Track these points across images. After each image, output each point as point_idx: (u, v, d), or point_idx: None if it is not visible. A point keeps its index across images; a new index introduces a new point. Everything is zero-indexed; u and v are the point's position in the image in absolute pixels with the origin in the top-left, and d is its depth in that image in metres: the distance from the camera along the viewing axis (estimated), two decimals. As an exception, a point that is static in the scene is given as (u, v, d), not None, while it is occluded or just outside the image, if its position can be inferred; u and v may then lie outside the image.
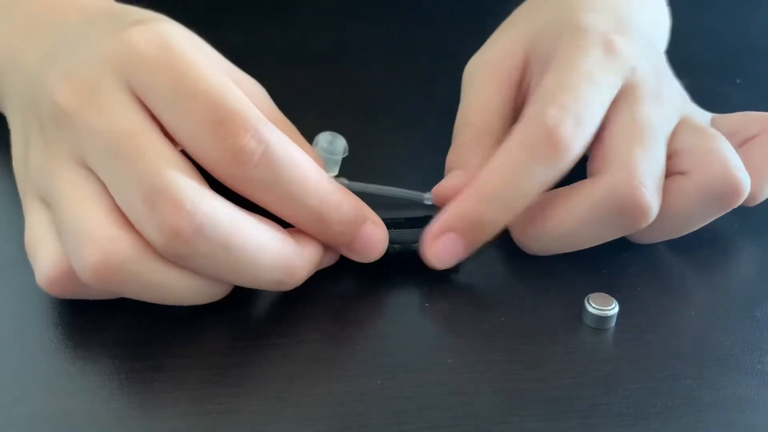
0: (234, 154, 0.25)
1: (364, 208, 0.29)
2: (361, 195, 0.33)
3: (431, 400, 0.25)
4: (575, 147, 0.29)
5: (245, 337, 0.27)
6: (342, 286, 0.30)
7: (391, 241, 0.30)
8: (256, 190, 0.26)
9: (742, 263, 0.33)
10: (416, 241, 0.30)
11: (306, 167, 0.27)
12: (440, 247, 0.29)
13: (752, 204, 0.33)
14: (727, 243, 0.33)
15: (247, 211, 0.26)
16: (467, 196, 0.29)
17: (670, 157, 0.31)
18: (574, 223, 0.30)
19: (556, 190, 0.30)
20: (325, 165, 0.33)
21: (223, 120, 0.25)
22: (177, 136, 0.26)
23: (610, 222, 0.29)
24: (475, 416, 0.25)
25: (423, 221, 0.31)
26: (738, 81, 0.47)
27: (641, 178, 0.29)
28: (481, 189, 0.29)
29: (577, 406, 0.25)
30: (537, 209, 0.30)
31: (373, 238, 0.29)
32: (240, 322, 0.28)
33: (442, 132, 0.35)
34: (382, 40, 0.50)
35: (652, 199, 0.29)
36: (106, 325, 0.28)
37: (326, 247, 0.29)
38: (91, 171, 0.26)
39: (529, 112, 0.30)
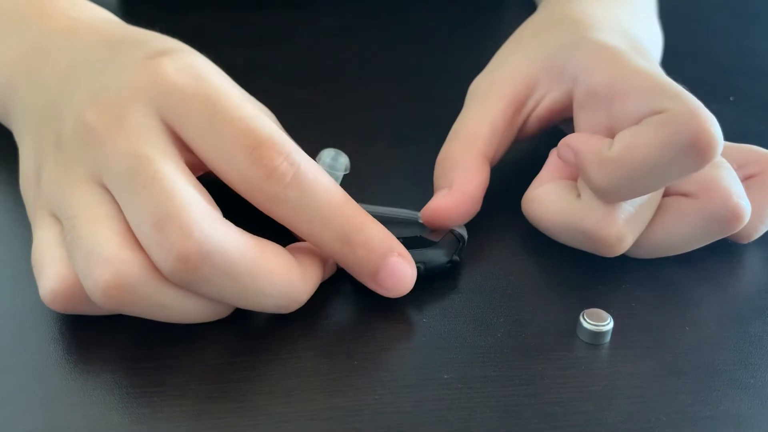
0: (269, 175, 0.26)
1: (392, 240, 0.28)
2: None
3: (428, 416, 0.25)
4: None
5: (244, 354, 0.28)
6: (339, 302, 0.30)
7: None
8: (286, 210, 0.27)
9: (737, 278, 0.33)
10: (416, 262, 0.30)
11: (333, 189, 0.27)
12: None
13: (745, 241, 0.34)
14: (722, 259, 0.33)
15: (255, 237, 0.27)
16: None
17: None
18: (560, 232, 0.32)
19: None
20: None
21: (257, 143, 0.26)
22: (211, 161, 0.27)
23: (584, 245, 0.31)
24: (471, 431, 0.25)
25: (423, 242, 0.31)
26: (731, 99, 0.48)
27: (617, 216, 0.30)
28: None
29: (573, 421, 0.25)
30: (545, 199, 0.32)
31: (399, 270, 0.28)
32: (239, 338, 0.28)
33: (438, 150, 0.35)
34: (379, 61, 0.51)
35: (621, 238, 0.30)
36: (106, 342, 0.28)
37: (324, 262, 0.29)
38: (107, 191, 0.26)
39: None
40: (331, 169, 0.33)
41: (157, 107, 0.27)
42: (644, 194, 0.30)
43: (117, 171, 0.26)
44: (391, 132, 0.42)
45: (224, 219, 0.26)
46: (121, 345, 0.28)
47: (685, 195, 0.31)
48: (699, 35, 0.57)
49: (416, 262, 0.30)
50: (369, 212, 0.35)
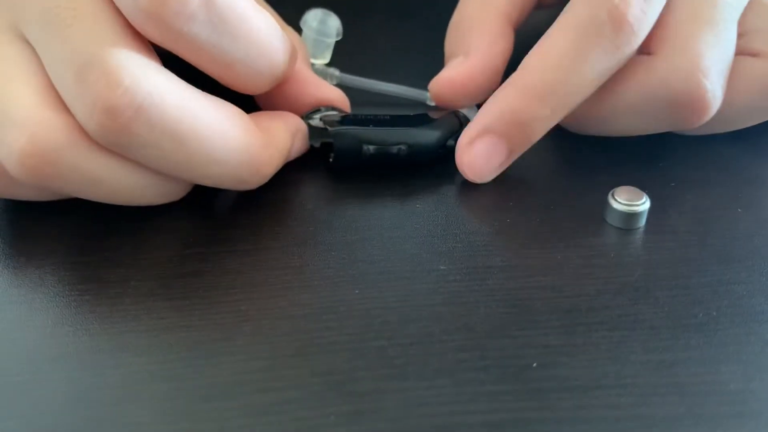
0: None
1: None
2: (355, 91, 0.28)
3: (419, 312, 0.20)
4: (642, 29, 0.23)
5: (198, 245, 0.23)
6: (316, 185, 0.25)
7: (366, 141, 0.25)
8: (193, 46, 0.21)
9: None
10: (397, 143, 0.25)
11: (253, 17, 0.22)
12: (477, 153, 0.24)
13: None
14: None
15: (204, 93, 0.22)
16: (510, 90, 0.24)
17: (739, 36, 0.25)
18: (620, 109, 0.25)
19: None
20: (315, 49, 0.29)
21: None
22: None
23: (662, 114, 0.24)
24: (471, 329, 0.20)
25: (413, 121, 0.26)
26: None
27: (705, 68, 0.23)
28: (528, 81, 0.24)
29: (600, 317, 0.20)
30: None
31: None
32: (193, 227, 0.24)
33: (440, 25, 0.30)
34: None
35: (714, 95, 0.24)
36: (34, 233, 0.23)
37: (295, 135, 0.24)
38: (27, 44, 0.22)
39: None
40: (318, 35, 0.28)
41: None
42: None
43: (35, 14, 0.21)
44: (388, 3, 0.37)
45: (164, 68, 0.21)
46: (52, 236, 0.23)
47: (753, 54, 0.25)
48: None
49: (398, 143, 0.25)
50: (370, 88, 0.29)
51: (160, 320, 0.20)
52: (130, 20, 0.21)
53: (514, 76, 0.24)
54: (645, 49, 0.25)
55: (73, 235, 0.23)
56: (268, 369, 0.19)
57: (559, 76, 0.23)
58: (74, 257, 0.22)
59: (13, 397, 0.18)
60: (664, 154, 0.27)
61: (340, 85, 0.29)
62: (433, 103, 0.29)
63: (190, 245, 0.23)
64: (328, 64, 0.30)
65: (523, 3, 0.29)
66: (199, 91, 0.22)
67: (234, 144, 0.22)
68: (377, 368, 0.19)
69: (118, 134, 0.20)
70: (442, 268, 0.22)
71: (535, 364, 0.19)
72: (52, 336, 0.20)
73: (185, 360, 0.19)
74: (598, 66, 0.23)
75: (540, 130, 0.24)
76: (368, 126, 0.25)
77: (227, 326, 0.20)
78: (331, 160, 0.25)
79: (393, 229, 0.24)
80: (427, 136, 0.25)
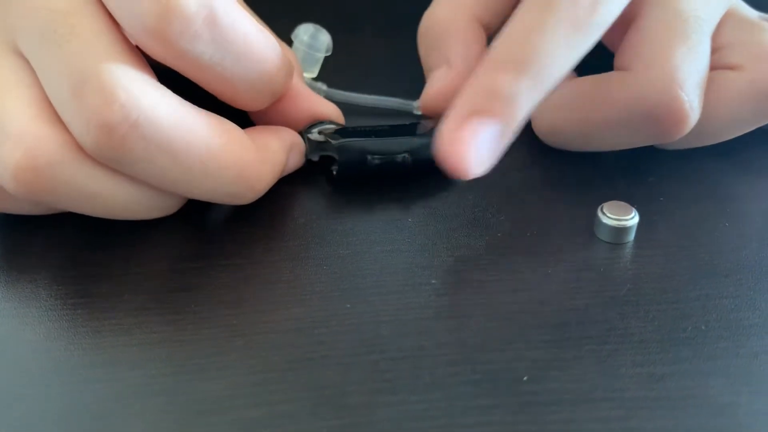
0: (171, 17, 0.20)
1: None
2: (343, 105, 0.29)
3: (411, 326, 0.21)
4: (605, 12, 0.22)
5: (188, 259, 0.23)
6: (309, 199, 0.26)
7: (371, 152, 0.25)
8: (194, 64, 0.22)
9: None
10: (401, 152, 0.25)
11: (254, 35, 0.22)
12: (467, 138, 0.21)
13: None
14: (762, 149, 0.28)
15: (198, 108, 0.22)
16: (487, 68, 0.22)
17: (715, 50, 0.26)
18: (598, 124, 0.25)
19: (583, 78, 0.26)
20: (304, 62, 0.29)
21: None
22: (115, 11, 0.21)
23: (641, 128, 0.25)
24: (463, 344, 0.20)
25: (411, 129, 0.26)
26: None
27: (681, 81, 0.24)
28: (501, 55, 0.22)
29: (590, 331, 0.21)
30: (560, 98, 0.25)
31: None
32: (186, 242, 0.24)
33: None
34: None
35: (691, 106, 0.24)
36: (28, 247, 0.23)
37: (290, 150, 0.25)
38: (23, 59, 0.22)
39: None
40: (309, 49, 0.28)
41: None
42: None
43: (31, 29, 0.21)
44: (378, 18, 0.37)
45: (159, 84, 0.21)
46: (45, 250, 0.23)
47: (731, 68, 0.26)
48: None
49: (401, 152, 0.25)
50: (357, 102, 0.30)
51: (152, 334, 0.20)
52: (133, 39, 0.21)
53: (487, 56, 0.23)
54: (621, 64, 0.25)
55: (66, 249, 0.23)
56: (260, 383, 0.19)
57: (531, 43, 0.22)
58: (67, 271, 0.22)
59: (4, 410, 0.18)
60: (653, 170, 0.27)
61: (327, 99, 0.29)
62: (419, 112, 0.29)
63: (182, 259, 0.23)
64: (316, 79, 0.30)
65: (495, 5, 0.28)
66: (194, 106, 0.22)
67: (228, 159, 0.22)
68: (369, 382, 0.19)
69: (114, 150, 0.20)
70: (433, 282, 0.22)
71: (525, 378, 0.19)
72: (44, 350, 0.20)
73: (177, 374, 0.19)
74: (565, 43, 0.22)
75: (527, 103, 0.22)
76: (370, 137, 0.25)
77: (219, 341, 0.20)
78: (334, 173, 0.25)
79: (385, 244, 0.24)
80: (430, 144, 0.26)
